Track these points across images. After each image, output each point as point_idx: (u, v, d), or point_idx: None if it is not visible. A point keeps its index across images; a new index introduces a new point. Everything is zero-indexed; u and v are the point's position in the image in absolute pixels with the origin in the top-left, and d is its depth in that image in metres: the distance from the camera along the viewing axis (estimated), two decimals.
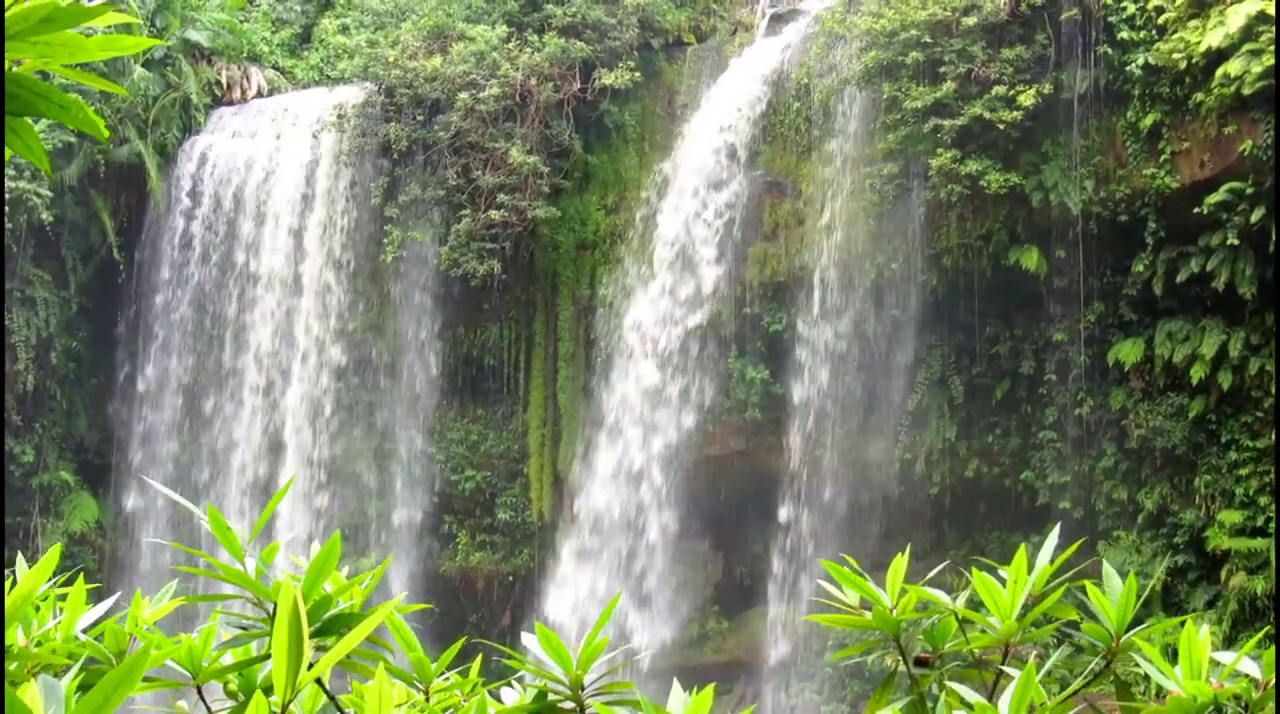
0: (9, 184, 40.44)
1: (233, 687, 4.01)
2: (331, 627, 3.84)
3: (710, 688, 3.94)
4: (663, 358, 40.47)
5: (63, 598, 4.20)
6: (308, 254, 43.25)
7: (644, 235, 41.38)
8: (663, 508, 40.10)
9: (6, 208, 40.66)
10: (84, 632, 4.11)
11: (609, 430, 40.76)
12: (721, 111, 41.04)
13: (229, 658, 4.02)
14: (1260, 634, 4.63)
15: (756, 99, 40.76)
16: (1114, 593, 4.03)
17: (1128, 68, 35.63)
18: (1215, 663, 3.79)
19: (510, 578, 42.51)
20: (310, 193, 43.44)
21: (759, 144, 40.65)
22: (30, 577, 3.98)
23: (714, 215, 40.60)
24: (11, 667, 3.89)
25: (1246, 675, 3.76)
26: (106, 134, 3.29)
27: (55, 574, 4.28)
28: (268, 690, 3.43)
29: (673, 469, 40.25)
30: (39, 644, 4.01)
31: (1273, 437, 34.99)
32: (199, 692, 4.03)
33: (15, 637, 3.98)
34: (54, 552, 4.12)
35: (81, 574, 4.29)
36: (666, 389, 40.36)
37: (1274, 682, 3.71)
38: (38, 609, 4.10)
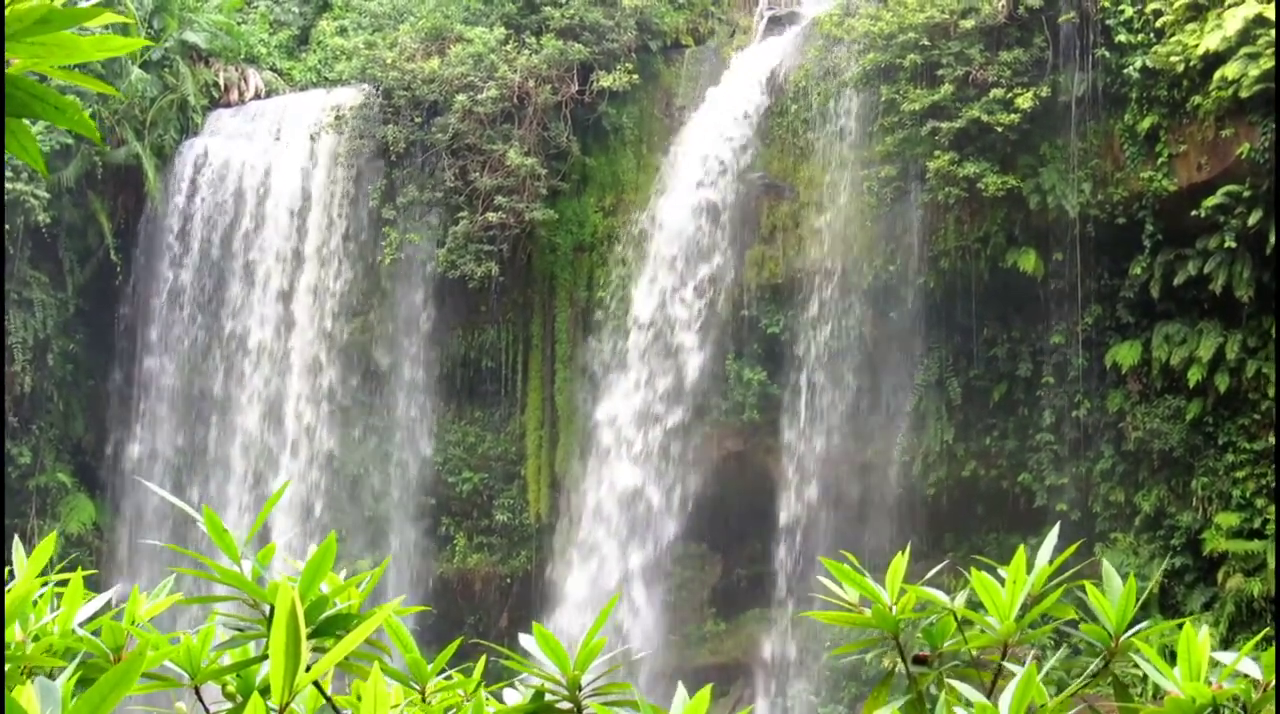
0: (5, 185, 40.40)
1: (230, 688, 4.00)
2: (328, 628, 3.83)
3: (707, 689, 3.93)
4: (640, 459, 39.81)
5: (63, 583, 4.20)
6: (297, 322, 43.03)
7: (621, 301, 40.79)
8: (642, 625, 39.36)
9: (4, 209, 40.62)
10: (81, 625, 4.11)
11: (580, 546, 40.18)
12: (699, 167, 40.21)
13: (227, 659, 4.02)
14: (1259, 636, 4.62)
15: (740, 148, 40.08)
16: (1114, 593, 4.02)
17: (1125, 71, 35.65)
18: (1215, 662, 3.78)
19: (508, 580, 42.48)
20: (300, 248, 43.22)
21: (746, 201, 40.04)
22: (29, 574, 3.98)
23: (694, 294, 39.91)
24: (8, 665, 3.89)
25: (1246, 676, 3.75)
26: (99, 136, 3.28)
27: (52, 570, 4.28)
28: (265, 691, 3.43)
29: (654, 590, 39.61)
30: (36, 639, 4.01)
31: (1269, 439, 35.00)
32: (196, 692, 4.03)
33: (13, 632, 3.98)
34: (49, 540, 4.12)
35: (79, 567, 4.29)
36: (646, 491, 39.77)
37: (1274, 683, 3.70)
38: (34, 603, 4.10)
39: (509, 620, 41.61)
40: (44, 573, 4.14)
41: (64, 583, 4.19)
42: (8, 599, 3.92)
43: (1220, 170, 34.66)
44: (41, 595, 4.14)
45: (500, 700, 4.21)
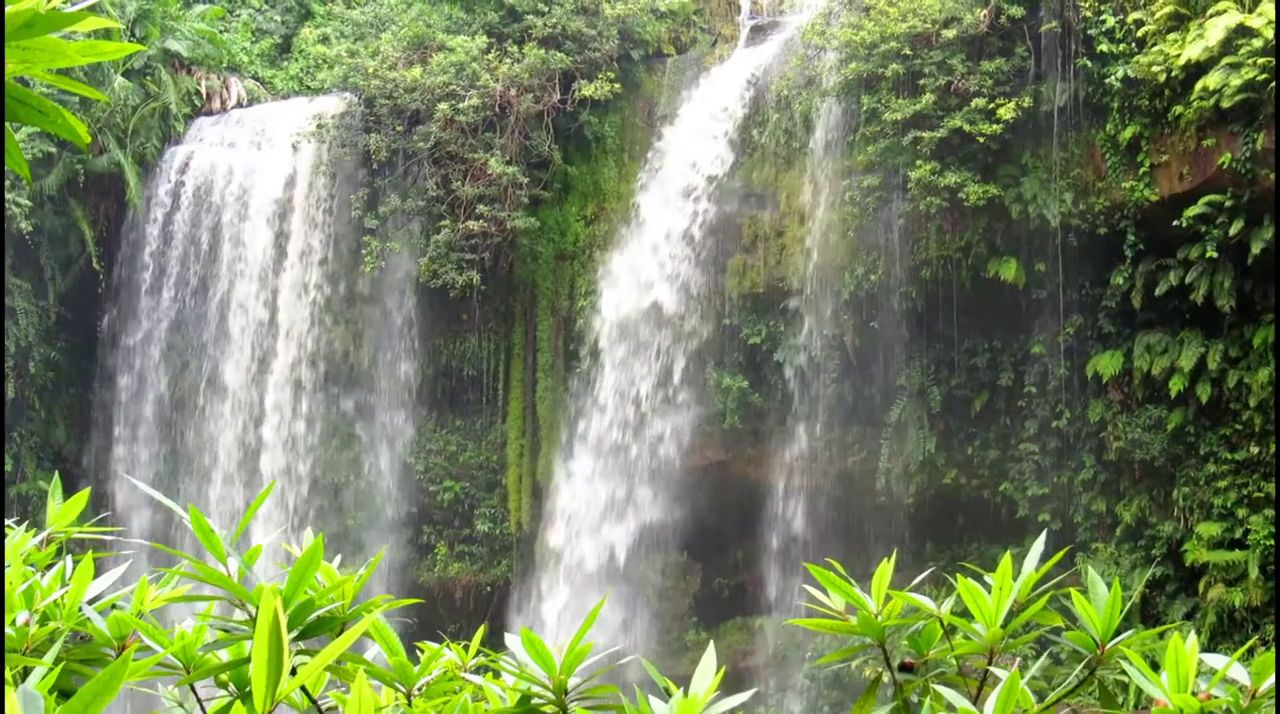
0: None
1: (224, 676, 4.04)
2: (316, 629, 3.84)
3: (695, 694, 3.92)
4: (621, 467, 39.67)
5: (76, 559, 4.24)
6: (279, 330, 42.87)
7: (602, 310, 40.81)
8: (622, 634, 39.25)
9: None
10: (89, 604, 4.15)
11: (561, 555, 39.84)
12: (680, 176, 39.89)
13: (224, 654, 4.05)
14: (1248, 644, 4.62)
15: (722, 157, 39.68)
16: (1099, 600, 4.02)
17: (1107, 80, 35.71)
18: (1203, 667, 3.77)
19: (488, 588, 42.45)
20: (282, 256, 43.09)
21: (727, 211, 39.88)
22: (61, 518, 4.04)
23: (676, 302, 39.67)
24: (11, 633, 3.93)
25: (1235, 682, 3.74)
26: (88, 141, 3.27)
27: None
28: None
29: (635, 599, 39.39)
30: (42, 620, 4.04)
31: (1251, 449, 35.07)
32: (190, 684, 4.07)
33: (19, 604, 4.02)
34: (82, 495, 4.22)
35: (90, 552, 4.31)
36: (627, 500, 39.54)
37: (1262, 689, 3.69)
38: (43, 581, 4.14)
39: (490, 629, 41.50)
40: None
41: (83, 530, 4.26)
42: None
43: (1201, 180, 34.72)
44: (54, 572, 4.18)
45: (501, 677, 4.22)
